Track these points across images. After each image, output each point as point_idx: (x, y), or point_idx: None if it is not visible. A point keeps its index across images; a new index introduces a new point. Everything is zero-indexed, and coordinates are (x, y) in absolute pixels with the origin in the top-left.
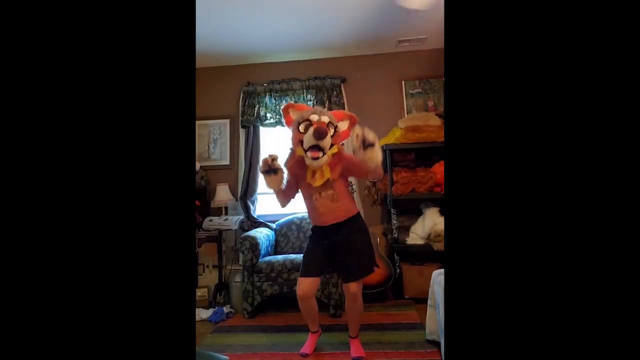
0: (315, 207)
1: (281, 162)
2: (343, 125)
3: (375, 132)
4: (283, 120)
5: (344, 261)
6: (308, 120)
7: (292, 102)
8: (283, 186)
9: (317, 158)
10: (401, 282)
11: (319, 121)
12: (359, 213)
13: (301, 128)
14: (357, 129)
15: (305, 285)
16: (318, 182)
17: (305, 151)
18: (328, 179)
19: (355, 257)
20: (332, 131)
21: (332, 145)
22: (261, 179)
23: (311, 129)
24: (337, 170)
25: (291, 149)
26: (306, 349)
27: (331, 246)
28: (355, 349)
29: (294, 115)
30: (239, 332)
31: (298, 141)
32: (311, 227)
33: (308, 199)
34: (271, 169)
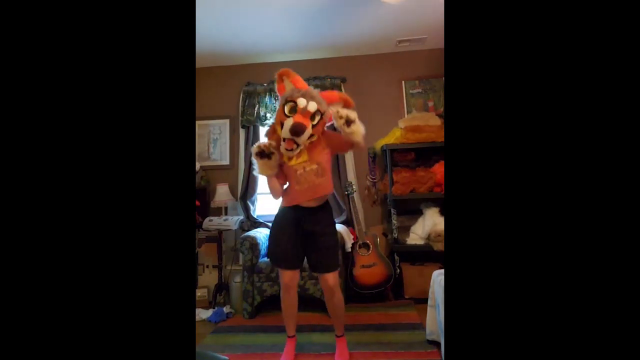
0: (299, 182)
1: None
2: (335, 108)
3: (375, 132)
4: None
5: (318, 253)
6: (295, 102)
7: None
8: (276, 171)
9: (291, 149)
10: (401, 282)
11: (304, 109)
12: (328, 202)
13: (286, 109)
14: (340, 111)
15: (289, 276)
16: (294, 162)
17: (283, 139)
18: (306, 160)
19: (330, 249)
20: (316, 120)
21: (311, 135)
22: (261, 179)
23: (290, 124)
24: (319, 148)
25: (273, 123)
26: (286, 357)
27: (304, 235)
28: (340, 351)
29: (287, 85)
30: (239, 332)
31: (279, 121)
32: (281, 207)
33: (292, 176)
34: (265, 153)
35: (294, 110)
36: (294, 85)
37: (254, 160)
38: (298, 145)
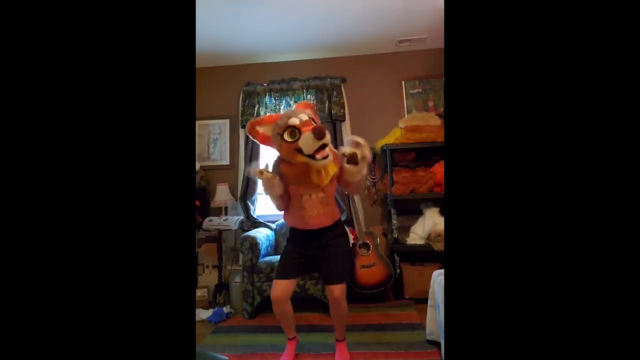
0: (303, 209)
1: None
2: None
3: (375, 132)
4: (255, 140)
5: (326, 263)
6: (291, 126)
7: (291, 102)
8: (282, 190)
9: (327, 156)
10: (401, 282)
11: (302, 122)
12: (340, 219)
13: (287, 137)
14: (345, 150)
15: (281, 288)
16: (326, 180)
17: (311, 156)
18: (336, 172)
19: (338, 259)
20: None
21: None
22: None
23: (309, 134)
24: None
25: (278, 158)
26: (287, 357)
27: (313, 250)
28: (341, 353)
29: (263, 129)
30: (239, 332)
31: (294, 150)
32: (290, 229)
33: (296, 200)
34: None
35: (295, 131)
36: (271, 122)
37: (261, 181)
38: (326, 145)
